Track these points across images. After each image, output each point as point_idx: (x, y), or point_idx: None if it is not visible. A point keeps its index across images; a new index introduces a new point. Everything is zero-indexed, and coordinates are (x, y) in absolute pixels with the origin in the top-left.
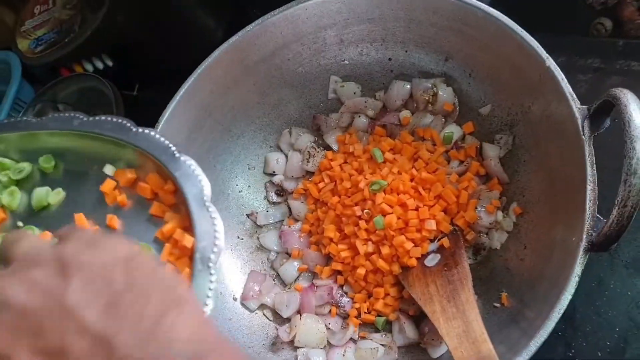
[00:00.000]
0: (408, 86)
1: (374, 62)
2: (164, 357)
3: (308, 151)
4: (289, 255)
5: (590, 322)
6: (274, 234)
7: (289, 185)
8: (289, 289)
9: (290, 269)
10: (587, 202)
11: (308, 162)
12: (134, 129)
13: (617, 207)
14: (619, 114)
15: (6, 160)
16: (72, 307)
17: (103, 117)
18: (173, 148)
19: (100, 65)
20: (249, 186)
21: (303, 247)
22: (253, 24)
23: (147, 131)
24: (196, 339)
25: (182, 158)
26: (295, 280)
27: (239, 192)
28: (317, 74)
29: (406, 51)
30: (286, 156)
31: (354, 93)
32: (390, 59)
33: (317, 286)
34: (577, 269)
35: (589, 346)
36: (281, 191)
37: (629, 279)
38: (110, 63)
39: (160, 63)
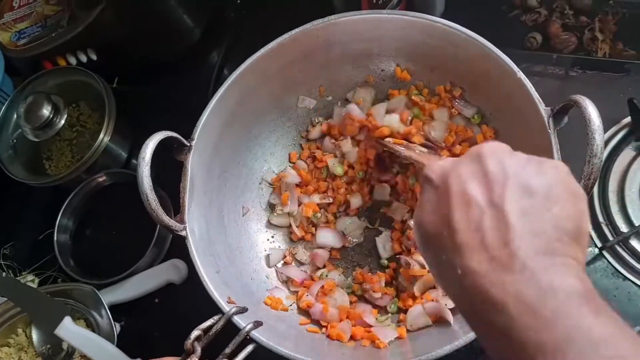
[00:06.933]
0: None
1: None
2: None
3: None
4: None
5: None
6: None
7: None
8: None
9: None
10: None
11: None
12: None
13: (583, 180)
14: (581, 113)
15: None
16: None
17: None
18: None
19: (84, 59)
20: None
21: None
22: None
23: None
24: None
25: None
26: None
27: (259, 184)
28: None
29: (397, 64)
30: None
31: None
32: (383, 70)
33: None
34: None
35: None
36: None
37: None
38: (94, 57)
39: (140, 58)
